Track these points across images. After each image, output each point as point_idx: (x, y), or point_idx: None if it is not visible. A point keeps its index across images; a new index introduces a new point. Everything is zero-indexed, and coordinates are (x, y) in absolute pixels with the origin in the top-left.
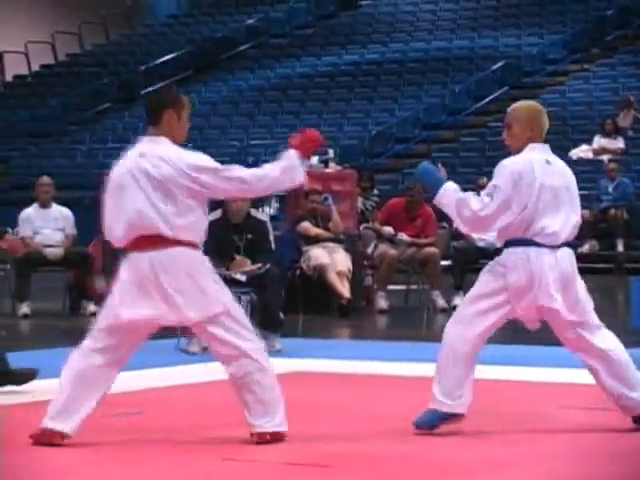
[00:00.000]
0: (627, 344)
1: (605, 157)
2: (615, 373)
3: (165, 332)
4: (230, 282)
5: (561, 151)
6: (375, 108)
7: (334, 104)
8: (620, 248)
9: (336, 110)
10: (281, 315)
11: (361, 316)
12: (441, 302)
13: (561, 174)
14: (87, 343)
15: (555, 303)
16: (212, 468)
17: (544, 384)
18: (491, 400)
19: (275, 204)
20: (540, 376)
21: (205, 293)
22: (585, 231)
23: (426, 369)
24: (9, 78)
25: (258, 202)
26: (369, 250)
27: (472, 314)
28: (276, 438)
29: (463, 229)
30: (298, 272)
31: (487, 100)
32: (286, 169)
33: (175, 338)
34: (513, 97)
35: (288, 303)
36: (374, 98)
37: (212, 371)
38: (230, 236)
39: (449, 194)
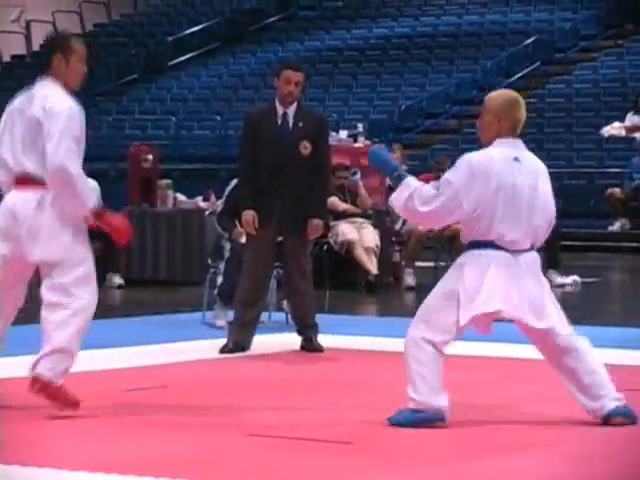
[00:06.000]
0: None
1: (637, 135)
2: (581, 385)
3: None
4: None
5: (592, 128)
6: (405, 82)
7: (364, 78)
8: None
9: (366, 84)
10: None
11: (388, 293)
12: None
13: (531, 173)
14: None
15: (519, 312)
16: (235, 444)
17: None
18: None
19: None
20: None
21: (55, 237)
22: (616, 210)
23: (452, 347)
24: (36, 47)
25: None
26: (397, 226)
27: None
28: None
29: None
30: (325, 247)
31: (518, 76)
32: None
33: (201, 311)
34: (545, 73)
35: (315, 279)
36: (404, 72)
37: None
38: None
39: (400, 191)
